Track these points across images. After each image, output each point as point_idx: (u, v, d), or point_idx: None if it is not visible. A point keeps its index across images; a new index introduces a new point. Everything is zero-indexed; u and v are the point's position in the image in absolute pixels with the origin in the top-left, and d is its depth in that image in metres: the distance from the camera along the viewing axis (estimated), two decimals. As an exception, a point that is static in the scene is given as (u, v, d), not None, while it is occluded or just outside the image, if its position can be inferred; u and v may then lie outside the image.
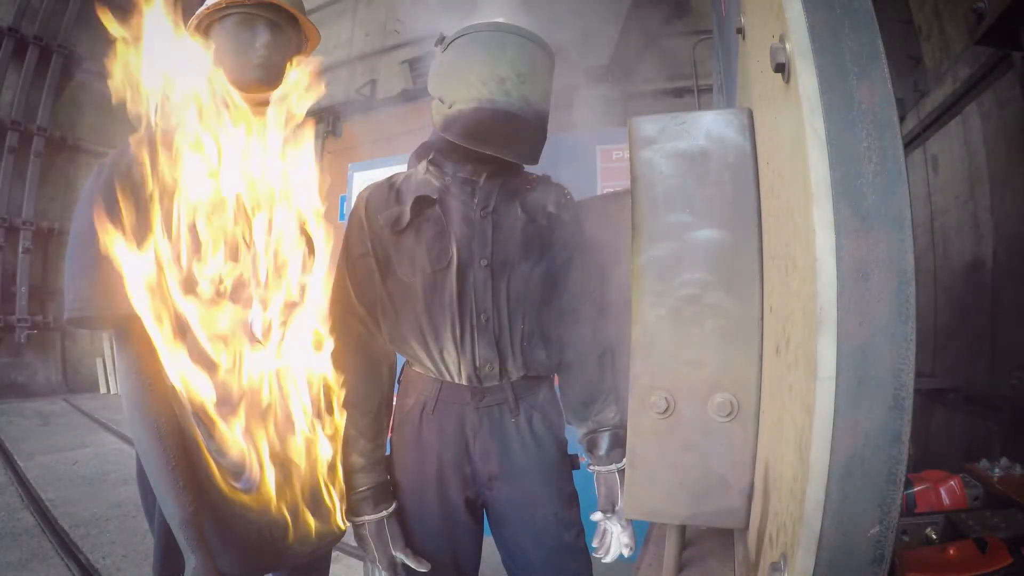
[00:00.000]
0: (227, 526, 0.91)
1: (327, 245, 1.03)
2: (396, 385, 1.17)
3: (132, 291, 0.79)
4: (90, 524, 2.92)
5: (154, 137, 0.88)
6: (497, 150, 1.01)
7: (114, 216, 0.81)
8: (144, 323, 0.81)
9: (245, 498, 0.89)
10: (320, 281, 1.01)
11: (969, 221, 2.31)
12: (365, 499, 1.06)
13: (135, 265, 0.79)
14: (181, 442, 0.86)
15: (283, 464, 0.93)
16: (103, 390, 7.73)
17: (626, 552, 1.12)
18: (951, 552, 1.20)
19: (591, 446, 1.16)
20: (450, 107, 1.01)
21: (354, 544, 1.10)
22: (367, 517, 1.06)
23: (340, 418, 1.00)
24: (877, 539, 0.41)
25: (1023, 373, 1.85)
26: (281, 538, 0.94)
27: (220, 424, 0.85)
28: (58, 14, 7.57)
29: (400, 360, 1.16)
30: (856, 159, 0.42)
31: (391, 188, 1.12)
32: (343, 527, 1.04)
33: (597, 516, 1.15)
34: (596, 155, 2.64)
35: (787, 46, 0.48)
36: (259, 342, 0.95)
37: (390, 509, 1.08)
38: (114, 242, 0.78)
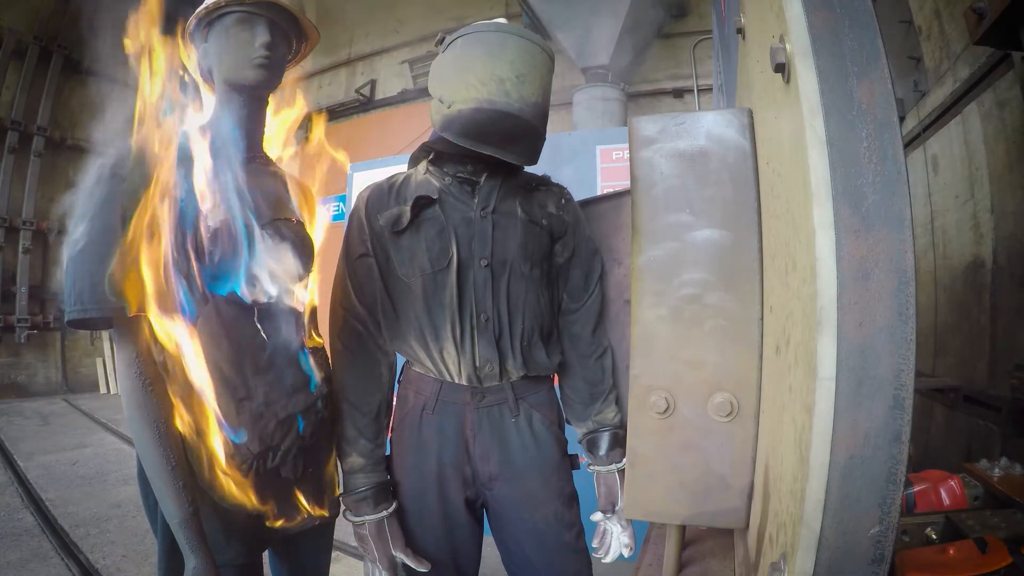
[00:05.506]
0: (230, 519, 0.92)
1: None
2: (396, 385, 1.17)
3: (142, 289, 0.80)
4: (90, 524, 2.91)
5: (161, 138, 0.89)
6: (496, 151, 1.01)
7: (131, 217, 0.82)
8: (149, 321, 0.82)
9: (248, 487, 0.90)
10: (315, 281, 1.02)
11: (969, 221, 2.31)
12: (365, 499, 1.06)
13: (153, 264, 0.80)
14: (181, 442, 0.86)
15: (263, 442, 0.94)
16: (103, 390, 7.73)
17: (626, 552, 1.12)
18: (951, 552, 1.20)
19: (591, 446, 1.16)
20: (449, 107, 1.00)
21: (354, 544, 1.10)
22: (367, 517, 1.05)
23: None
24: (877, 539, 0.41)
25: (1023, 373, 1.85)
26: (262, 515, 0.95)
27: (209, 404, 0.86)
28: (58, 14, 7.57)
29: (400, 360, 1.16)
30: (856, 159, 0.42)
31: (391, 188, 1.12)
32: (323, 511, 1.06)
33: (597, 516, 1.15)
34: (596, 155, 2.64)
35: (787, 46, 0.48)
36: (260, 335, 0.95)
37: (390, 509, 1.08)
38: (138, 242, 0.79)
